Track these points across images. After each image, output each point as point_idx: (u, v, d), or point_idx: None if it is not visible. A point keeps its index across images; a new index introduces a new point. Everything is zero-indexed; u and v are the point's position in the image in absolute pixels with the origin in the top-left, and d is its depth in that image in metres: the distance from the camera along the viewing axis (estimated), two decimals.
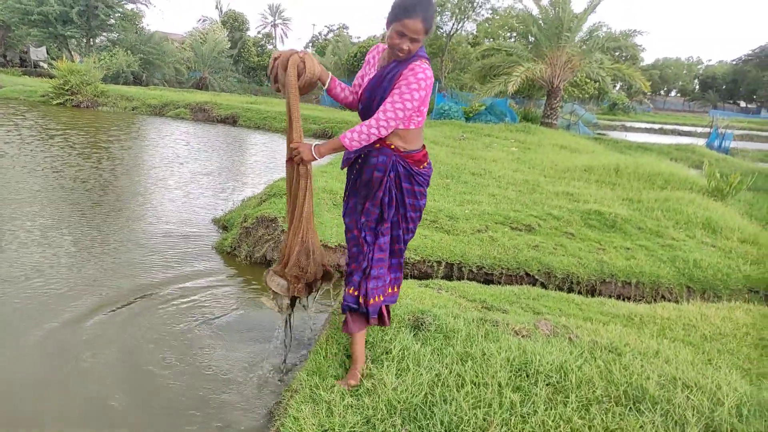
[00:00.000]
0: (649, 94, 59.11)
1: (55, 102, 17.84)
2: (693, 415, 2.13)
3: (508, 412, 2.11)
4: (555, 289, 4.41)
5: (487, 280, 4.56)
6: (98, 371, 2.99)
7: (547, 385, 2.33)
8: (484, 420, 2.08)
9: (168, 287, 4.14)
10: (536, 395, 2.22)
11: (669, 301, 4.33)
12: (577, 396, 2.24)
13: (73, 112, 16.65)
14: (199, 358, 3.19)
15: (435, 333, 2.84)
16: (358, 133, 2.21)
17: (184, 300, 3.93)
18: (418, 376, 2.36)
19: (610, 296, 4.40)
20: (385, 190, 2.37)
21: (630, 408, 2.19)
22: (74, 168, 8.11)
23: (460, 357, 2.53)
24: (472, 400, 2.18)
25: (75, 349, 3.17)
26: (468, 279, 4.49)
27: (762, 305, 4.06)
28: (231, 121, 17.56)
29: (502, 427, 2.02)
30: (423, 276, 4.54)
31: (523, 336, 3.00)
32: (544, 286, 4.49)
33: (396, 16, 2.17)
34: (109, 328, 3.45)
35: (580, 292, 4.44)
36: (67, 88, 17.98)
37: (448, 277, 4.55)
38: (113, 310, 3.68)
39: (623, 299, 4.36)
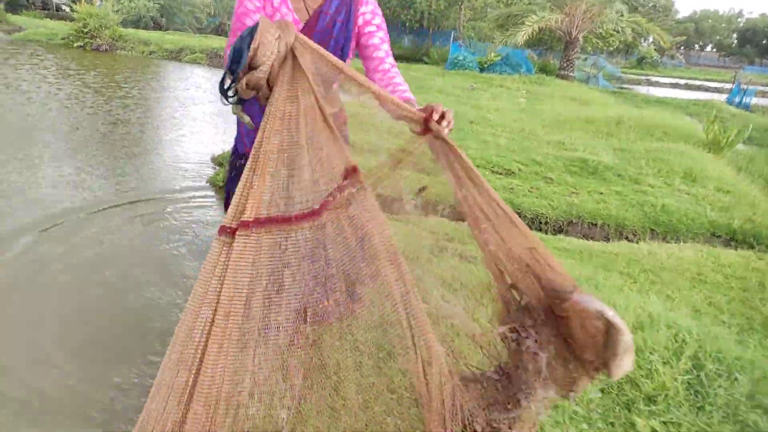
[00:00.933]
0: (682, 48, 56.67)
1: (75, 45, 18.15)
2: None
3: None
4: None
5: (460, 219, 4.80)
6: (70, 284, 3.19)
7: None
8: None
9: (153, 209, 4.48)
10: None
11: (631, 242, 4.53)
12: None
13: (92, 54, 16.96)
14: (176, 275, 3.44)
15: None
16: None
17: (168, 222, 4.26)
18: None
19: (576, 236, 4.62)
20: None
21: None
22: (87, 104, 8.48)
23: None
24: None
25: (48, 258, 3.46)
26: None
27: (716, 247, 4.24)
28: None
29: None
30: None
31: (468, 261, 3.27)
32: None
33: None
34: (87, 240, 3.77)
35: (547, 232, 4.67)
36: (86, 31, 18.25)
37: None
38: (94, 225, 4.02)
39: (589, 240, 4.58)
